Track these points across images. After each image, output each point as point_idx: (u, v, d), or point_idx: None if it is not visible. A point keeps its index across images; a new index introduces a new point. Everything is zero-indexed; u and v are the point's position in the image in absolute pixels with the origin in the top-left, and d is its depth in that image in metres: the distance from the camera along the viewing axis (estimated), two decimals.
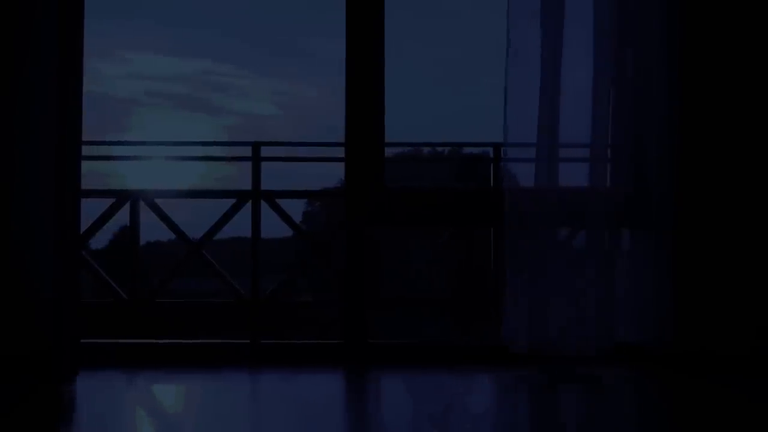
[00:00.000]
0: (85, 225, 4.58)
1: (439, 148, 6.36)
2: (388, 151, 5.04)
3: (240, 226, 4.81)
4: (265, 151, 4.85)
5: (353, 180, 4.27)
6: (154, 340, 4.37)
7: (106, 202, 4.64)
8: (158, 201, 4.64)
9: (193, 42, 5.89)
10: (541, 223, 4.11)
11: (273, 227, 4.90)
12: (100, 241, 5.40)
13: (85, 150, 5.00)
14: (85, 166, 5.11)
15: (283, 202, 4.76)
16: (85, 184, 4.75)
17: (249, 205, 4.62)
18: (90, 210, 4.77)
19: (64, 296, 3.61)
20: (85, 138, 4.97)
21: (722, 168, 4.19)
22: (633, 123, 4.18)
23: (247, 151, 4.71)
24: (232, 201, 4.67)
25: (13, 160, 3.65)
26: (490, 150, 4.66)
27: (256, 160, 4.67)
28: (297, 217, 5.87)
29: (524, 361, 4.13)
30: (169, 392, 3.77)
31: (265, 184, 4.72)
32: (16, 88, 3.65)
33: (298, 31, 5.38)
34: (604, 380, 4.01)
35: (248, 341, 4.40)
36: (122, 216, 4.77)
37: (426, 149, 6.38)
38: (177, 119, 6.17)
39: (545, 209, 4.11)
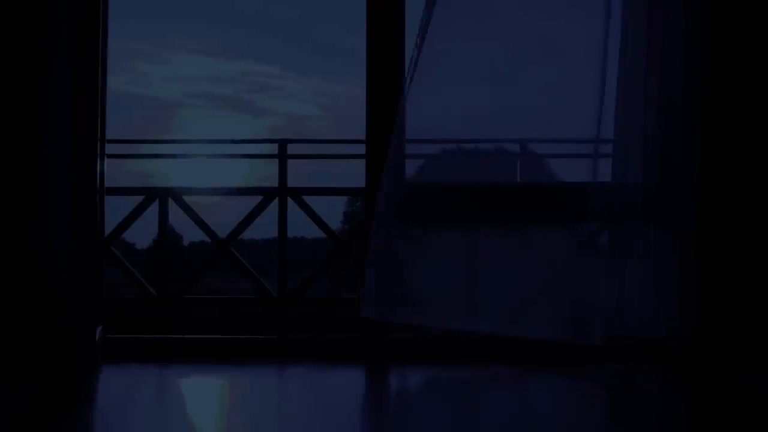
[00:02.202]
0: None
1: (482, 145, 6.29)
2: (433, 148, 5.05)
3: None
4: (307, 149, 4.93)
5: (372, 177, 4.29)
6: (180, 336, 4.44)
7: (138, 200, 4.74)
8: (188, 199, 4.73)
9: (235, 43, 5.97)
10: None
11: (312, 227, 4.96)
12: (145, 240, 5.48)
13: (124, 149, 5.15)
14: (129, 165, 5.25)
15: (322, 202, 4.82)
16: (128, 182, 4.88)
17: (287, 203, 4.70)
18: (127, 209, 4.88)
19: (79, 293, 3.69)
20: (126, 138, 5.13)
21: (748, 162, 4.11)
22: (656, 117, 4.15)
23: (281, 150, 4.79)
24: (259, 198, 4.74)
25: (32, 160, 3.72)
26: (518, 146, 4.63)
27: (283, 157, 4.73)
28: (338, 217, 5.92)
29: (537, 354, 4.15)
30: (196, 385, 3.82)
31: (309, 184, 4.79)
32: (34, 89, 3.73)
33: (341, 31, 5.41)
34: (620, 377, 3.98)
35: (274, 337, 4.46)
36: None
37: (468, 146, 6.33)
38: (219, 120, 6.28)
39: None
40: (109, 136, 4.15)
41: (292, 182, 4.83)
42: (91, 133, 3.71)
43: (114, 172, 5.29)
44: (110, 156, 4.41)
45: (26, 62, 3.73)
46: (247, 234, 4.90)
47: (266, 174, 5.11)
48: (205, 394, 3.66)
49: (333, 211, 5.73)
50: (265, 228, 4.90)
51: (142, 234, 5.26)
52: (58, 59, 3.70)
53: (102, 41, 3.90)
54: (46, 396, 3.36)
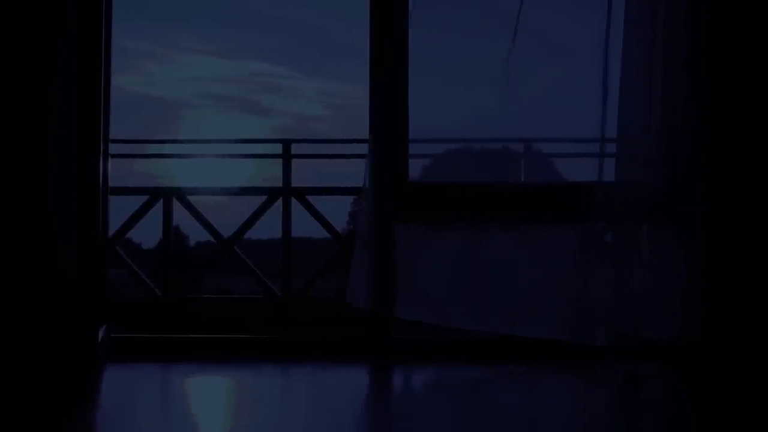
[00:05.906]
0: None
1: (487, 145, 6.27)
2: (437, 148, 5.04)
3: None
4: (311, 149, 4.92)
5: (375, 176, 4.27)
6: (184, 335, 4.44)
7: (142, 200, 4.73)
8: (192, 199, 4.72)
9: (243, 44, 5.98)
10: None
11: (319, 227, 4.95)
12: (151, 240, 5.49)
13: (131, 149, 5.15)
14: (138, 165, 5.23)
15: (329, 203, 4.81)
16: (136, 183, 4.87)
17: (290, 202, 4.69)
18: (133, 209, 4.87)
19: (82, 291, 3.70)
20: (137, 138, 5.12)
21: (753, 161, 4.09)
22: (659, 116, 4.14)
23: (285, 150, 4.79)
24: (264, 198, 4.74)
25: (36, 159, 3.73)
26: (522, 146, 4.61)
27: (287, 157, 4.72)
28: (345, 217, 5.91)
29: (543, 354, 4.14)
30: (199, 385, 3.82)
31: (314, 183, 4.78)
32: (42, 91, 3.73)
33: (350, 31, 5.42)
34: (626, 376, 3.97)
35: (278, 336, 4.46)
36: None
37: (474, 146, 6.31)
38: (226, 120, 6.29)
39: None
40: (119, 136, 4.15)
41: (298, 182, 4.82)
42: (93, 133, 3.71)
43: (123, 172, 5.29)
44: (116, 156, 4.40)
45: (33, 65, 3.74)
46: (253, 234, 4.89)
47: (274, 174, 5.12)
48: (208, 394, 3.66)
49: (340, 211, 5.71)
50: (270, 228, 4.90)
51: (149, 234, 5.25)
52: (63, 61, 3.71)
53: (105, 42, 3.90)
54: (49, 394, 3.35)
